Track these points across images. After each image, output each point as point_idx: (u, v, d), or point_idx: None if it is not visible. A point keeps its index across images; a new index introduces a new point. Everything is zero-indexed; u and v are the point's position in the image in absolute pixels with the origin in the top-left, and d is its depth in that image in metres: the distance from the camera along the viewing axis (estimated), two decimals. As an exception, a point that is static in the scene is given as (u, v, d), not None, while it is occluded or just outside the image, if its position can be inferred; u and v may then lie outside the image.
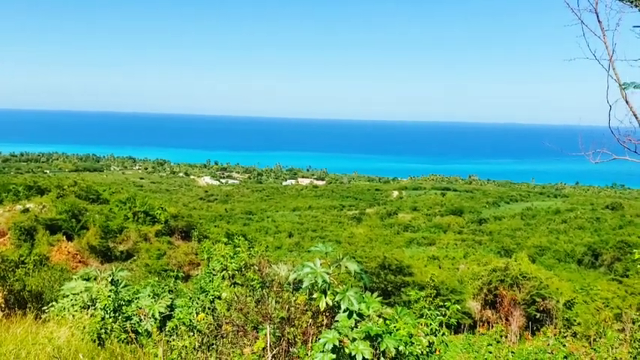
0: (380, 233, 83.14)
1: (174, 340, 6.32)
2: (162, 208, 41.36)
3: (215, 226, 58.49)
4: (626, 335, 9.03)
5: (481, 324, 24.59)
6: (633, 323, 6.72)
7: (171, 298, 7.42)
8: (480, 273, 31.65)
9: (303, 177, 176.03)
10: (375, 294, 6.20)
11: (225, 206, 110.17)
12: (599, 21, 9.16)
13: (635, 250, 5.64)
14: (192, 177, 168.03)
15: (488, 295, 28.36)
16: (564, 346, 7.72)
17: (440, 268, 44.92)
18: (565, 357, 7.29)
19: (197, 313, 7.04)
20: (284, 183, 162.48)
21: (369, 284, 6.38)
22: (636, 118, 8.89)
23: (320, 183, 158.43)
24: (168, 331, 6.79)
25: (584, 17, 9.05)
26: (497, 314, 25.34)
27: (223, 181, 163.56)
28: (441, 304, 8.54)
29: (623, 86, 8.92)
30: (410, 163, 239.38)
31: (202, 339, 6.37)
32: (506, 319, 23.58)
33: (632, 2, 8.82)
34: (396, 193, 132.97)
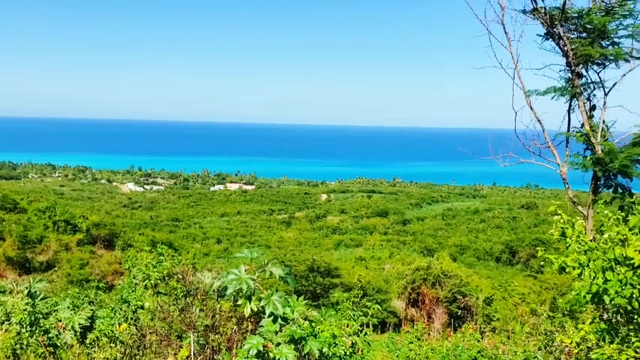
0: (309, 236, 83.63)
1: (95, 351, 6.20)
2: (83, 216, 39.85)
3: (140, 234, 56.68)
4: (538, 328, 9.69)
5: (406, 322, 25.34)
6: (538, 316, 7.29)
7: (92, 310, 7.25)
8: (404, 272, 32.58)
9: (231, 182, 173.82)
10: (302, 297, 6.36)
11: (150, 213, 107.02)
12: (505, 32, 9.82)
13: (541, 251, 6.13)
14: (114, 184, 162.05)
15: (412, 293, 29.25)
16: (478, 341, 8.21)
17: (367, 268, 45.83)
18: (479, 351, 7.78)
19: (119, 324, 6.93)
20: (212, 188, 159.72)
21: (295, 288, 6.55)
22: (540, 123, 9.60)
23: (249, 188, 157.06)
24: (90, 343, 6.64)
25: (492, 28, 9.65)
26: (421, 312, 26.21)
27: (148, 187, 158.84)
28: (368, 304, 8.84)
29: (527, 93, 9.62)
30: (338, 166, 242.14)
31: (125, 350, 6.29)
32: (429, 317, 24.44)
33: (534, 15, 9.51)
34: (324, 197, 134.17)
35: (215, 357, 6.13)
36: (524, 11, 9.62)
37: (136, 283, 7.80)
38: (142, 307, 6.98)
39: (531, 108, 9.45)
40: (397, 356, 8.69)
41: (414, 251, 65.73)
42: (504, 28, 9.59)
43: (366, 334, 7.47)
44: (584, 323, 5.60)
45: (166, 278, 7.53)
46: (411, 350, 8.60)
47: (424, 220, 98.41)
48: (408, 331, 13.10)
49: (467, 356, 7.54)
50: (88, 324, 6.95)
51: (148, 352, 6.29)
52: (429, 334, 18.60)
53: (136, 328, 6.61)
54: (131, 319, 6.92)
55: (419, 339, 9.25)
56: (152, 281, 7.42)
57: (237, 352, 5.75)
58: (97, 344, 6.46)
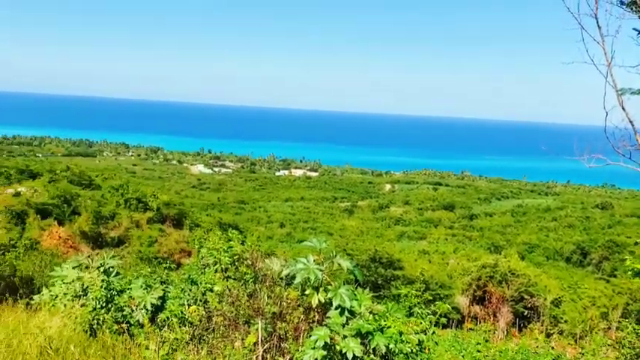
0: (371, 226, 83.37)
1: (165, 331, 6.33)
2: (154, 195, 41.30)
3: (207, 214, 58.44)
4: (612, 337, 9.12)
5: (469, 319, 24.77)
6: (619, 329, 6.80)
7: (163, 290, 7.41)
8: (470, 269, 31.79)
9: (296, 168, 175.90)
10: (367, 290, 6.24)
11: (217, 195, 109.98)
12: (598, 26, 9.14)
13: (626, 256, 5.69)
14: (185, 165, 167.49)
15: (477, 291, 28.52)
16: (553, 348, 7.78)
17: (430, 262, 45.05)
18: (553, 359, 7.36)
19: (188, 305, 7.04)
20: (277, 173, 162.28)
21: (361, 280, 6.42)
22: (632, 124, 8.91)
23: (313, 174, 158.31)
24: (160, 322, 6.79)
25: (584, 22, 9.03)
26: (485, 310, 25.52)
27: (216, 169, 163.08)
28: (430, 298, 8.58)
29: (619, 92, 8.95)
30: (403, 156, 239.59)
31: (193, 331, 6.38)
32: (494, 316, 23.76)
33: (632, 8, 8.80)
34: (388, 187, 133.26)
35: (282, 345, 6.11)
36: (621, 3, 8.93)
37: (204, 265, 7.91)
38: (212, 290, 7.06)
39: (623, 108, 8.78)
40: (463, 357, 8.42)
41: (480, 247, 64.23)
42: (597, 22, 8.95)
43: (433, 332, 7.28)
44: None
45: (236, 263, 7.59)
46: (478, 352, 8.31)
47: (492, 216, 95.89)
48: (470, 329, 12.70)
49: (541, 363, 7.18)
50: (159, 304, 7.11)
51: (215, 335, 6.35)
52: (493, 333, 18.10)
53: (205, 310, 6.69)
54: (200, 300, 7.02)
55: (487, 341, 8.92)
56: (222, 265, 7.50)
57: (305, 342, 5.71)
58: (167, 324, 6.59)
